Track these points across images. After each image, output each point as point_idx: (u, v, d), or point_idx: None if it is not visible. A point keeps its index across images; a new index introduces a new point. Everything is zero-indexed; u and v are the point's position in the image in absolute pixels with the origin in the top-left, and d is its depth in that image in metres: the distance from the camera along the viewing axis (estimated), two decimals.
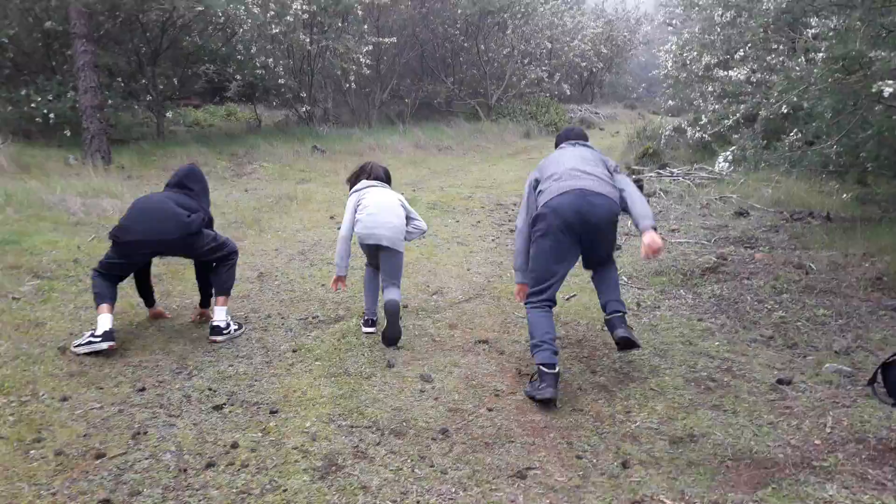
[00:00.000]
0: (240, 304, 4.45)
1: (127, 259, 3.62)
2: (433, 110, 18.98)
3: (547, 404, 3.02)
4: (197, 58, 12.93)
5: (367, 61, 12.26)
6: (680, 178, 8.83)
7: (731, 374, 3.42)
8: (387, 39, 13.07)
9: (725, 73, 7.71)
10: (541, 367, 3.08)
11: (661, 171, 9.19)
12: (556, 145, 3.82)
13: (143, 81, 11.47)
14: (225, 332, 3.74)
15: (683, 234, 6.43)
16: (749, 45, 8.42)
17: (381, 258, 3.88)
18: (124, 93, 11.23)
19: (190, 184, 3.92)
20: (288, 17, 10.84)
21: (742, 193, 7.95)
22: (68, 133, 9.70)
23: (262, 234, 6.32)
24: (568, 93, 22.27)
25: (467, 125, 16.65)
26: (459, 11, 16.41)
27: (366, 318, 4.01)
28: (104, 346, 3.35)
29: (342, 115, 16.82)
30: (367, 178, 4.17)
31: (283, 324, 4.08)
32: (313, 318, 4.20)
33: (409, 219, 4.01)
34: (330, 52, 12.80)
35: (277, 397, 3.03)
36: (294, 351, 3.62)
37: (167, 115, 11.53)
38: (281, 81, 12.13)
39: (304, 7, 11.11)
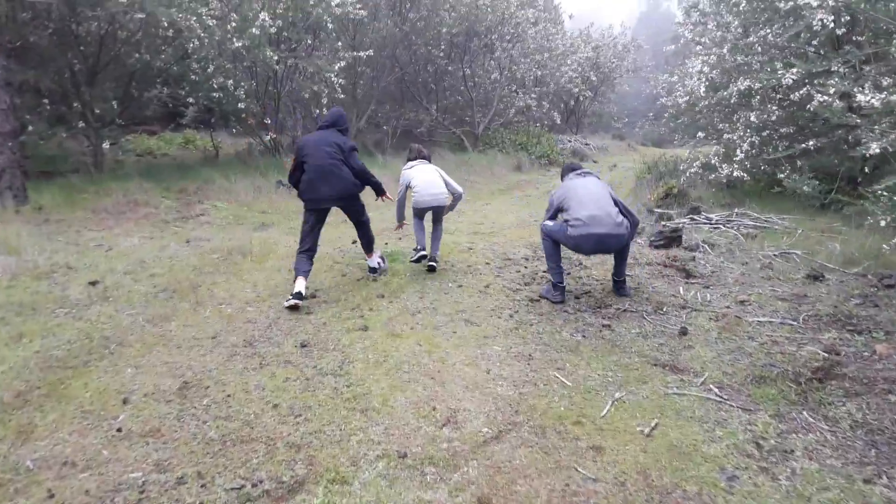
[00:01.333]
0: (141, 450, 2.85)
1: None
2: (415, 140, 17.54)
3: (558, 305, 5.02)
4: (146, 78, 11.36)
5: (341, 81, 10.78)
6: (721, 227, 7.43)
7: None
8: (363, 53, 11.56)
9: (815, 95, 6.29)
10: (556, 283, 5.09)
11: (695, 217, 7.80)
12: (563, 176, 5.45)
13: (76, 105, 9.82)
14: (380, 270, 5.76)
15: (759, 309, 4.98)
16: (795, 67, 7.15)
17: (432, 212, 5.92)
18: (50, 118, 9.58)
19: (341, 124, 5.38)
20: (253, 30, 9.32)
21: (805, 248, 6.57)
22: None
23: (197, 310, 4.71)
24: (558, 122, 21.10)
25: (453, 156, 15.24)
26: (444, 31, 15.11)
27: (418, 248, 5.86)
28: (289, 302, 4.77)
29: None
30: (415, 157, 6.17)
31: (200, 499, 2.48)
32: (255, 484, 2.61)
33: (447, 185, 5.98)
34: (299, 72, 11.32)
35: None
36: None
37: (104, 144, 9.84)
38: (241, 105, 10.57)
39: (270, 22, 9.63)
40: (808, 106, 6.70)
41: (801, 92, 6.91)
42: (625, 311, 4.96)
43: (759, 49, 7.67)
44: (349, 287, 5.37)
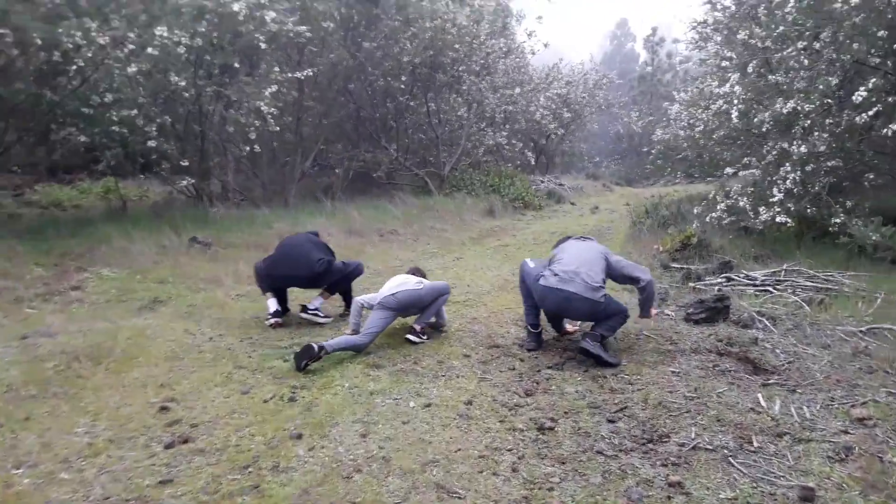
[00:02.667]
0: None
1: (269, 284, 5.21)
2: (371, 183, 15.80)
3: (533, 351, 4.55)
4: (36, 115, 9.44)
5: (273, 111, 8.93)
6: (771, 290, 5.73)
7: None
8: (299, 74, 9.68)
9: None
10: (530, 324, 4.65)
11: (732, 277, 6.09)
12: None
13: None
14: (311, 310, 5.23)
15: (894, 433, 3.22)
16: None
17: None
18: None
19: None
20: (150, 50, 7.48)
21: (894, 318, 4.89)
22: None
23: None
24: (533, 161, 19.61)
25: (416, 201, 13.49)
26: (406, 60, 13.49)
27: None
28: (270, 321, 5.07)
29: (254, 191, 13.43)
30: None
31: None
32: None
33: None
34: (231, 104, 9.49)
35: None
36: None
37: None
38: (151, 144, 8.66)
39: (180, 39, 7.81)
40: (886, 129, 5.10)
41: (871, 113, 5.33)
42: (693, 447, 3.13)
43: (805, 62, 6.13)
44: (250, 416, 3.44)
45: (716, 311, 5.05)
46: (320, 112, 12.97)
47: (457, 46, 14.33)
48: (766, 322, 4.96)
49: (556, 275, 4.36)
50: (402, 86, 14.77)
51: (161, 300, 5.90)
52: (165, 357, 4.26)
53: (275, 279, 5.20)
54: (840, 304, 5.36)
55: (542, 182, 20.43)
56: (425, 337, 4.75)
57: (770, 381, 3.93)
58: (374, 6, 12.56)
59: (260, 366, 4.14)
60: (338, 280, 5.26)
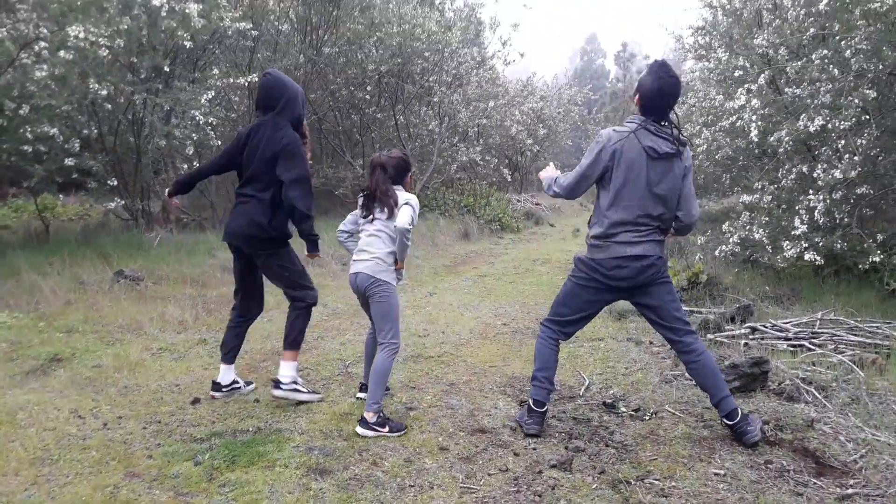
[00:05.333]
0: None
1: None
2: (335, 202, 14.74)
3: (532, 437, 3.47)
4: None
5: (213, 121, 7.79)
6: (805, 343, 4.84)
7: None
8: (243, 79, 8.11)
9: None
10: (534, 401, 3.54)
11: (757, 327, 5.19)
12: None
13: None
14: (284, 386, 3.77)
15: None
16: None
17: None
18: None
19: (275, 100, 3.68)
20: (63, 53, 6.37)
21: None
22: None
23: None
24: (509, 179, 18.76)
25: None
26: (371, 68, 12.52)
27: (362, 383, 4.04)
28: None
29: (205, 211, 12.28)
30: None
31: None
32: None
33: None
34: (160, 111, 8.36)
35: None
36: None
37: None
38: (69, 162, 7.50)
39: (97, 39, 6.69)
40: None
41: None
42: None
43: (835, 72, 5.32)
44: None
45: (752, 378, 4.13)
46: None
47: (427, 55, 13.46)
48: (815, 393, 4.06)
49: (621, 223, 3.27)
50: (368, 96, 13.81)
51: (61, 358, 4.77)
52: (32, 459, 3.15)
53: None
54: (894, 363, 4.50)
55: (519, 201, 19.63)
56: (385, 429, 3.62)
57: (848, 490, 3.00)
58: (335, 7, 11.57)
59: (161, 472, 3.06)
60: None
